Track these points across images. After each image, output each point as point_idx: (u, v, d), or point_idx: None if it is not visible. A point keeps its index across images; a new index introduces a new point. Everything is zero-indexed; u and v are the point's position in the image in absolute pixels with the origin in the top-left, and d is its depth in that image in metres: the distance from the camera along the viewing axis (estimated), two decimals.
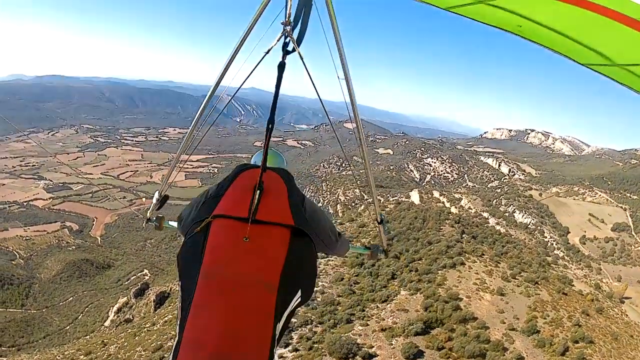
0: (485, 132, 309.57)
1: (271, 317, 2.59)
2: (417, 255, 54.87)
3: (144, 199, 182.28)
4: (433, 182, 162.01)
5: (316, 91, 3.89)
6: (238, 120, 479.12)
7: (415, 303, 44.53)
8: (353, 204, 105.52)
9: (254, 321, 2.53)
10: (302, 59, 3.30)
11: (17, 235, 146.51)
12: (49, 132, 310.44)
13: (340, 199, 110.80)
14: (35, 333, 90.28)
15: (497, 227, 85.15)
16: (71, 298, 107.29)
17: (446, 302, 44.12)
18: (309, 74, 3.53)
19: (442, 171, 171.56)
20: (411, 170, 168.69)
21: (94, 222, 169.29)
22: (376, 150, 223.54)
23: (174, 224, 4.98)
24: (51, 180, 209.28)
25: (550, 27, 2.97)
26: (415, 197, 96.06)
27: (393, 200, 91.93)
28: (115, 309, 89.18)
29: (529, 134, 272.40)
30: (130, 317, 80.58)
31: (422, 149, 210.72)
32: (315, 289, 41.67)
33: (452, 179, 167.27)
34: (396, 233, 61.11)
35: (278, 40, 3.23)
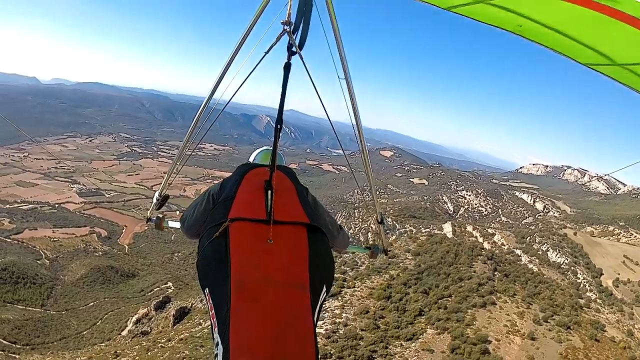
0: (521, 167, 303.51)
1: (310, 314, 2.67)
2: (447, 292, 52.54)
3: (176, 212, 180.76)
4: (467, 215, 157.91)
5: (318, 94, 3.96)
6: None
7: (442, 343, 42.18)
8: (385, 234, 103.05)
9: (296, 320, 2.59)
10: (303, 62, 3.34)
11: (45, 236, 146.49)
12: (87, 138, 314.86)
13: (371, 227, 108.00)
14: (51, 334, 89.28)
15: (530, 266, 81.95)
16: (92, 303, 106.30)
17: (474, 345, 41.66)
18: (310, 78, 3.59)
19: (476, 204, 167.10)
20: (445, 202, 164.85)
21: (123, 230, 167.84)
22: (411, 180, 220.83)
23: (174, 224, 5.24)
24: (84, 185, 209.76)
25: (551, 27, 2.97)
26: (448, 229, 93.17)
27: (425, 232, 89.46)
28: (134, 319, 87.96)
29: (565, 170, 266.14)
30: (148, 329, 79.16)
31: (458, 181, 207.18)
32: (339, 320, 39.69)
33: (486, 212, 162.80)
34: (427, 267, 58.71)
35: (278, 40, 3.34)
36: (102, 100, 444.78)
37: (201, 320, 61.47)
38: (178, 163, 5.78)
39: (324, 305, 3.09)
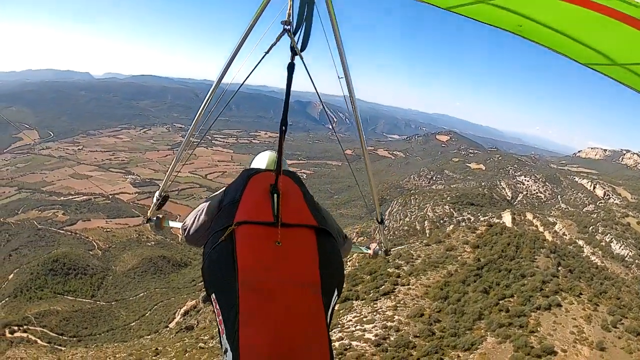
0: (579, 151, 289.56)
1: (323, 317, 2.64)
2: (509, 291, 46.94)
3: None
4: (525, 202, 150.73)
5: (317, 92, 4.10)
6: (330, 127, 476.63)
7: (503, 355, 37.02)
8: (441, 222, 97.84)
9: (308, 324, 2.55)
10: (304, 63, 3.33)
11: (98, 227, 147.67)
12: (141, 129, 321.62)
13: (428, 215, 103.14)
14: (99, 325, 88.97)
15: (593, 258, 76.44)
16: (142, 294, 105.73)
17: (539, 358, 36.65)
18: (311, 79, 3.67)
19: (534, 190, 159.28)
20: (503, 188, 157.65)
21: (177, 220, 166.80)
22: (468, 164, 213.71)
23: (174, 224, 5.55)
24: (138, 176, 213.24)
25: (551, 27, 2.98)
26: (507, 218, 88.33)
27: (484, 221, 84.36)
28: (182, 311, 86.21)
29: (624, 154, 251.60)
30: (196, 322, 77.20)
31: (515, 165, 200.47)
32: (391, 324, 35.02)
33: (544, 199, 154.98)
34: (487, 261, 53.47)
35: (278, 40, 3.32)
36: (156, 92, 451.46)
37: None
38: (179, 163, 5.42)
39: (335, 309, 3.04)
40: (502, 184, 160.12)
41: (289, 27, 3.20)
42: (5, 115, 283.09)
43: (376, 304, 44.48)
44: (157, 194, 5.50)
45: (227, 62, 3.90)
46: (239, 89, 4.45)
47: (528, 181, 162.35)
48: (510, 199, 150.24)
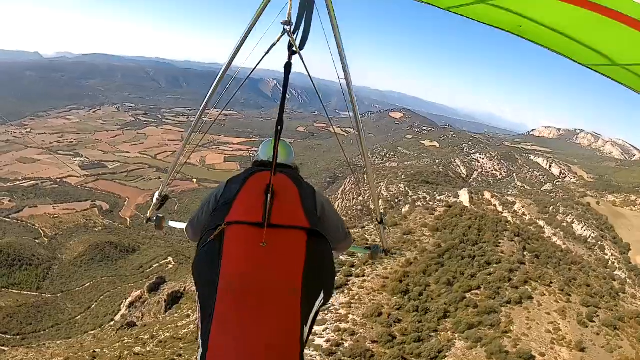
0: (532, 130, 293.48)
1: (298, 321, 2.61)
2: (475, 282, 43.28)
3: (181, 181, 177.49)
4: (480, 180, 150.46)
5: (316, 91, 4.40)
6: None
7: None
8: (396, 201, 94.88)
9: (281, 327, 2.56)
10: (303, 62, 3.50)
11: (45, 213, 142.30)
12: (90, 110, 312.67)
13: (382, 194, 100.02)
14: (44, 320, 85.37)
15: (555, 239, 74.80)
16: (88, 284, 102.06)
17: None
18: (310, 77, 3.77)
19: (490, 168, 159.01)
20: (458, 166, 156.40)
21: (126, 203, 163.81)
22: (422, 142, 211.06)
23: (175, 224, 5.72)
24: (87, 158, 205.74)
25: (551, 27, 3.02)
26: (464, 197, 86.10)
27: (441, 200, 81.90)
28: (127, 302, 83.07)
29: (578, 134, 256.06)
30: (140, 315, 73.94)
31: (470, 143, 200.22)
32: (345, 326, 30.73)
33: (500, 177, 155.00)
34: (448, 246, 50.10)
35: (278, 40, 3.46)
36: (106, 70, 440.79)
37: (189, 311, 56.47)
38: (179, 162, 5.83)
39: (320, 312, 3.10)
40: (457, 161, 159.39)
41: (289, 27, 3.24)
42: None
43: (320, 311, 40.31)
44: (156, 194, 5.57)
45: (228, 61, 4.02)
46: (238, 89, 4.86)
47: (483, 159, 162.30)
48: (465, 177, 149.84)
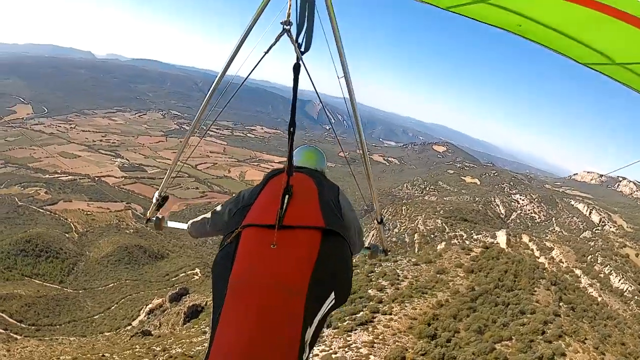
0: (575, 174, 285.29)
1: (299, 322, 2.59)
2: (506, 332, 40.35)
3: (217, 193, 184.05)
4: (519, 221, 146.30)
5: (316, 92, 4.33)
6: (327, 128, 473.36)
7: None
8: (432, 236, 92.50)
9: (280, 328, 2.54)
10: (304, 64, 3.31)
11: (79, 209, 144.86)
12: (136, 113, 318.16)
13: (419, 228, 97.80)
14: (62, 315, 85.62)
15: (591, 290, 71.18)
16: (112, 284, 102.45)
17: None
18: (311, 79, 3.76)
19: (529, 210, 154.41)
20: (497, 205, 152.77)
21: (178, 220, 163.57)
22: (463, 178, 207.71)
23: (174, 224, 5.72)
24: (127, 160, 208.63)
25: (550, 26, 3.03)
26: (502, 238, 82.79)
27: (478, 240, 78.98)
28: (147, 309, 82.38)
29: (620, 181, 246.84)
30: (158, 324, 72.89)
31: (511, 183, 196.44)
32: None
33: (539, 220, 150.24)
34: (482, 290, 47.25)
35: (277, 40, 3.42)
36: (156, 77, 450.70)
37: (207, 328, 53.97)
38: (179, 161, 5.85)
39: (330, 315, 3.08)
40: (496, 200, 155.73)
41: (288, 27, 3.24)
42: (1, 87, 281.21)
43: (350, 336, 37.90)
44: (156, 194, 5.51)
45: (227, 61, 4.02)
46: (237, 90, 4.71)
47: (523, 200, 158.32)
48: (504, 217, 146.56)
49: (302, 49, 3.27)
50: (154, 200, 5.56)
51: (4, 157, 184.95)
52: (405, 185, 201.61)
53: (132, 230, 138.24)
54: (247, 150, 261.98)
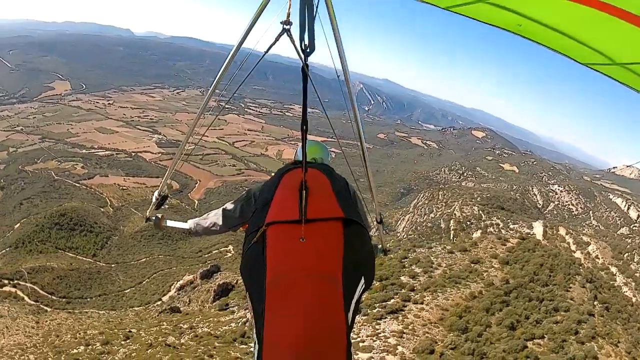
0: (614, 167, 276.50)
1: (341, 307, 2.73)
2: (539, 330, 38.62)
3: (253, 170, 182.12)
4: (555, 213, 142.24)
5: (318, 97, 4.43)
6: (366, 109, 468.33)
7: None
8: (468, 224, 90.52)
9: (327, 315, 2.66)
10: (306, 65, 3.33)
11: (115, 184, 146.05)
12: (174, 90, 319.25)
13: (455, 214, 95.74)
14: (93, 288, 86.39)
15: (626, 290, 68.51)
16: (144, 259, 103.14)
17: None
18: (311, 81, 3.57)
19: (567, 202, 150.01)
20: (535, 195, 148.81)
21: (197, 185, 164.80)
22: (501, 165, 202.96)
23: (174, 224, 5.60)
24: (165, 136, 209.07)
25: (550, 26, 3.04)
26: (538, 229, 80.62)
27: (514, 230, 76.93)
28: (178, 285, 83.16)
29: None
30: (187, 300, 73.23)
31: (550, 173, 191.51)
32: (391, 359, 27.08)
33: (576, 212, 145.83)
34: (517, 284, 45.60)
35: (277, 40, 3.47)
36: (195, 54, 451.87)
37: (235, 307, 54.78)
38: (179, 160, 5.56)
39: (362, 299, 3.19)
40: (534, 190, 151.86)
41: (288, 27, 3.28)
42: (40, 64, 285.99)
43: (379, 324, 36.97)
44: (156, 193, 5.47)
45: (227, 61, 3.96)
46: (236, 90, 4.81)
47: (561, 191, 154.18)
48: (541, 207, 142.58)
49: (308, 50, 3.24)
50: (154, 200, 5.48)
51: (42, 132, 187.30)
52: (443, 169, 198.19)
53: (167, 206, 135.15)
54: (285, 129, 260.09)
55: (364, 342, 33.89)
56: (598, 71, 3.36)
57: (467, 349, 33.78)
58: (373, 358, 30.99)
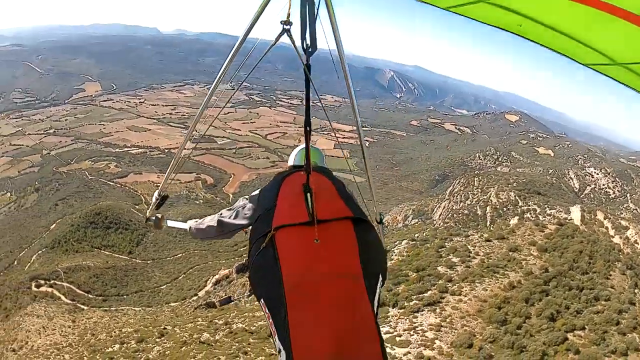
0: None
1: (368, 304, 2.71)
2: (580, 320, 36.60)
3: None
4: (592, 197, 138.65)
5: (316, 93, 4.05)
6: (398, 96, 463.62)
7: None
8: (504, 210, 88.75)
9: (357, 314, 2.63)
10: (308, 65, 3.37)
11: (149, 180, 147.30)
12: (205, 85, 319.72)
13: (491, 201, 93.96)
14: (130, 285, 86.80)
15: None
16: (180, 255, 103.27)
17: None
18: (312, 82, 3.64)
19: (604, 185, 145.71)
20: (571, 178, 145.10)
21: (231, 179, 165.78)
22: (536, 148, 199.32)
23: (174, 223, 5.56)
24: (197, 131, 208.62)
25: (551, 26, 3.02)
26: (576, 214, 78.09)
27: (551, 215, 74.92)
28: (214, 279, 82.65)
29: None
30: (223, 295, 72.42)
31: (585, 155, 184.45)
32: (429, 353, 26.26)
33: (613, 196, 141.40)
34: (556, 272, 44.11)
35: (277, 40, 3.53)
36: (223, 50, 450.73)
37: None
38: (178, 160, 5.63)
39: (381, 296, 3.24)
40: (570, 173, 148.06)
41: (288, 27, 3.28)
42: (69, 67, 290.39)
43: (416, 317, 36.23)
44: (156, 193, 5.47)
45: (227, 61, 4.01)
46: (235, 91, 4.95)
47: (598, 174, 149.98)
48: (577, 191, 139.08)
49: (310, 50, 3.27)
50: (153, 200, 5.41)
51: (74, 134, 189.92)
52: (477, 155, 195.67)
53: (201, 201, 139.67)
54: (317, 120, 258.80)
55: (400, 336, 33.34)
56: (599, 71, 3.30)
57: (506, 342, 32.81)
58: (410, 353, 30.35)
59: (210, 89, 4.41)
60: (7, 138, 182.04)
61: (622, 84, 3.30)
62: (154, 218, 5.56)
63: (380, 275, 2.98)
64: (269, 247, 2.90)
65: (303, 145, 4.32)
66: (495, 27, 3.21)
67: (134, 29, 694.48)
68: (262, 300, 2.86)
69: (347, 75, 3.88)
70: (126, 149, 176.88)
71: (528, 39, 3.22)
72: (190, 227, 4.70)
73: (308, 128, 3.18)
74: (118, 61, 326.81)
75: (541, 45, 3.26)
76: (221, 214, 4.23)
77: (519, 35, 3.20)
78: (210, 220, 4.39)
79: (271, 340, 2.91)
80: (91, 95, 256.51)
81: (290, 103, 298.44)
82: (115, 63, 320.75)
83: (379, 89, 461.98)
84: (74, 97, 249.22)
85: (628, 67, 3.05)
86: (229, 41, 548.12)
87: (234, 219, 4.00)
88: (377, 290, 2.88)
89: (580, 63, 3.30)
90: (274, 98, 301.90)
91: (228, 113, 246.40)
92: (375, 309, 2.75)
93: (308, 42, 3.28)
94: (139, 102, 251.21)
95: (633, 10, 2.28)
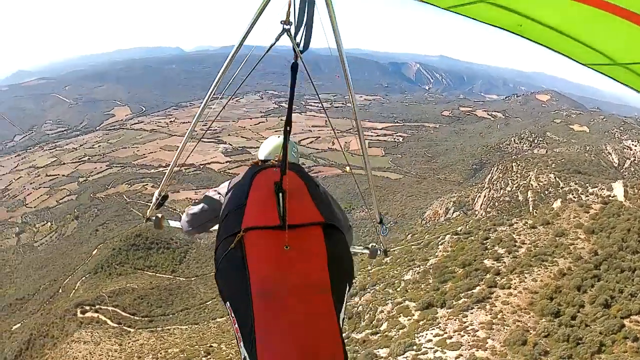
0: None
1: (334, 315, 2.73)
2: (635, 305, 33.64)
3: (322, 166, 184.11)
4: (633, 170, 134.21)
5: (316, 92, 4.51)
6: (426, 88, 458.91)
7: None
8: (546, 193, 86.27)
9: (323, 326, 2.65)
10: (304, 64, 3.44)
11: (186, 198, 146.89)
12: (233, 98, 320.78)
13: (532, 185, 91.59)
14: (175, 304, 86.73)
15: None
16: None
17: None
18: (311, 80, 3.88)
19: None
20: (609, 153, 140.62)
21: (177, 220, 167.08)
22: (571, 126, 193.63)
23: (174, 223, 5.71)
24: (230, 145, 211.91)
25: (551, 26, 3.02)
26: (619, 190, 75.10)
27: (594, 194, 72.38)
28: None
29: None
30: None
31: (621, 128, 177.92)
32: (482, 354, 25.06)
33: None
34: (606, 254, 41.65)
35: (277, 40, 3.51)
36: (248, 60, 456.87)
37: None
38: (178, 160, 5.82)
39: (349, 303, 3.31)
40: (608, 148, 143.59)
41: (288, 27, 3.25)
42: (97, 94, 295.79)
43: (466, 317, 34.98)
44: (156, 193, 5.56)
45: (227, 61, 4.20)
46: (235, 92, 5.00)
47: (636, 146, 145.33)
48: (617, 166, 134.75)
49: (301, 48, 3.29)
50: (154, 200, 5.51)
51: (108, 159, 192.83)
52: (512, 139, 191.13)
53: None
54: (349, 120, 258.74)
55: (451, 338, 32.22)
56: (599, 72, 3.28)
57: (561, 335, 30.94)
58: (462, 356, 28.95)
59: (209, 91, 4.61)
60: (42, 170, 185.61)
61: (623, 84, 3.30)
62: (154, 218, 5.68)
63: (347, 285, 2.97)
64: (237, 249, 2.84)
65: (274, 137, 4.69)
66: (495, 27, 3.17)
67: (157, 50, 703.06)
68: (228, 303, 2.84)
69: (347, 75, 3.89)
70: (161, 169, 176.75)
71: (528, 39, 3.20)
72: (183, 217, 4.52)
73: (288, 128, 3.15)
74: (144, 83, 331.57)
75: (541, 45, 3.24)
76: (189, 207, 4.30)
77: (519, 35, 3.18)
78: (185, 216, 4.37)
79: (236, 343, 2.68)
80: (121, 120, 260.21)
81: (320, 106, 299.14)
82: (142, 85, 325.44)
83: (407, 83, 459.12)
84: (104, 123, 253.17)
85: (628, 67, 3.03)
86: (254, 52, 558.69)
87: (199, 210, 4.07)
88: (345, 302, 2.86)
89: (581, 63, 3.28)
90: (303, 103, 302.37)
91: (259, 123, 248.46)
92: (341, 322, 2.74)
93: (303, 41, 3.26)
94: (170, 122, 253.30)
95: (636, 10, 2.28)
